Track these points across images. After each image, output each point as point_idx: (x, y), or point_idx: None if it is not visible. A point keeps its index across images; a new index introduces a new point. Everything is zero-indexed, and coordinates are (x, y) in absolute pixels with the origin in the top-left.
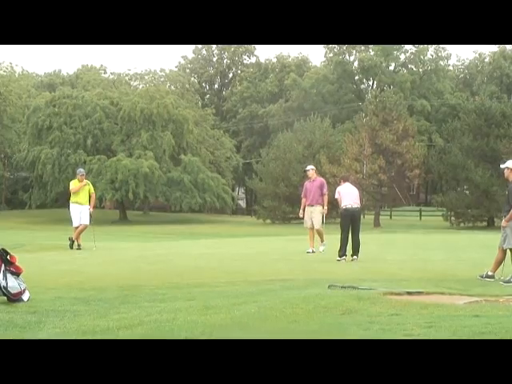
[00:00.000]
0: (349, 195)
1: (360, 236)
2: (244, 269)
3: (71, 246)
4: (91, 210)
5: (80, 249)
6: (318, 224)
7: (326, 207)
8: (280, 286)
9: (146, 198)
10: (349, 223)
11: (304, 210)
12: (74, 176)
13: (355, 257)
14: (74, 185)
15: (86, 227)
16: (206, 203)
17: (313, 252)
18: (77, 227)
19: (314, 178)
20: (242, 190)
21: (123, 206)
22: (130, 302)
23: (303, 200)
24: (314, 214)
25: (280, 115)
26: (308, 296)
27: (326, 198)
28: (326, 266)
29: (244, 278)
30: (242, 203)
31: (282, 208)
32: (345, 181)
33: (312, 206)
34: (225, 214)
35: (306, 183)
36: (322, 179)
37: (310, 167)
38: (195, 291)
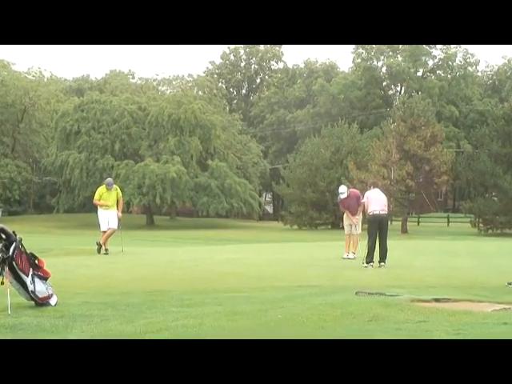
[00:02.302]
0: (376, 201)
1: (387, 242)
2: (271, 274)
3: (99, 251)
4: (119, 214)
5: (107, 253)
6: (358, 229)
7: (359, 216)
8: (307, 292)
9: (173, 202)
10: (376, 229)
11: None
12: (101, 180)
13: (382, 263)
14: (99, 194)
15: (114, 231)
16: (232, 208)
17: (348, 258)
18: (105, 231)
19: (350, 194)
20: (269, 196)
21: (150, 210)
22: (157, 307)
23: (346, 211)
24: (355, 221)
25: (307, 121)
26: (335, 302)
27: (361, 207)
28: (354, 272)
29: (271, 284)
30: (269, 209)
31: (309, 214)
32: (374, 186)
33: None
34: (251, 220)
35: (343, 200)
36: (357, 192)
37: (344, 190)
38: (222, 296)
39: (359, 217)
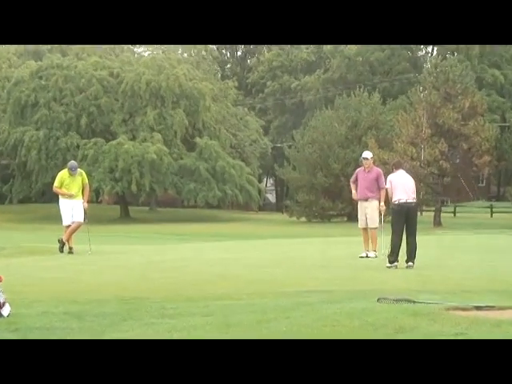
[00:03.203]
0: (403, 186)
1: (416, 238)
2: (273, 277)
3: (61, 250)
4: (86, 204)
5: (72, 253)
6: (374, 222)
7: (382, 202)
8: (318, 299)
9: (152, 190)
10: (403, 222)
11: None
12: (64, 164)
13: (410, 263)
14: (60, 181)
15: (79, 226)
16: (226, 197)
17: (366, 257)
18: (68, 226)
19: (370, 168)
20: (271, 181)
21: (125, 200)
22: (134, 317)
23: (353, 185)
24: (369, 210)
25: (318, 89)
26: (352, 311)
27: (383, 192)
28: (375, 274)
29: (273, 289)
30: (271, 197)
31: (320, 203)
32: (397, 168)
33: (367, 200)
34: (249, 211)
35: (360, 171)
36: (379, 170)
37: (370, 155)
38: (213, 305)
39: (378, 205)
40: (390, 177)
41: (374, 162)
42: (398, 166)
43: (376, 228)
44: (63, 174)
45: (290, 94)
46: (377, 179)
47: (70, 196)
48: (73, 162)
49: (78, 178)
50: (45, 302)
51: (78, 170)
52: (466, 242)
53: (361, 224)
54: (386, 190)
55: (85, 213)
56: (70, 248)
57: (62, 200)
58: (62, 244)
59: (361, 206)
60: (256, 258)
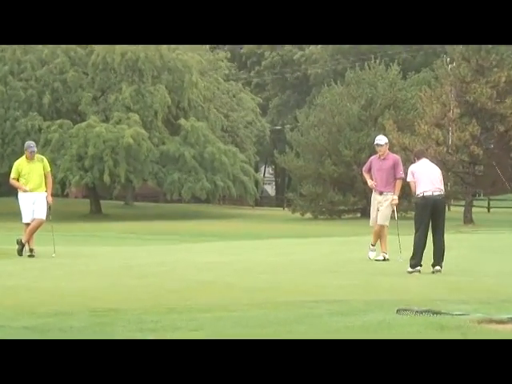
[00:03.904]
0: (427, 177)
1: (444, 237)
2: (273, 285)
3: (20, 252)
4: (50, 198)
5: (33, 256)
6: (384, 219)
7: (396, 196)
8: (326, 310)
9: (128, 181)
10: (428, 218)
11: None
12: (23, 150)
13: (438, 267)
14: (17, 170)
15: (40, 224)
16: (216, 189)
17: (384, 259)
18: (28, 224)
19: (385, 155)
20: (270, 171)
21: (96, 193)
22: (106, 332)
23: (366, 175)
24: (382, 207)
25: (325, 61)
26: (367, 325)
27: (399, 183)
28: (393, 280)
29: (273, 299)
30: (270, 189)
31: (329, 196)
32: (420, 157)
33: (382, 193)
34: (245, 206)
35: (374, 160)
36: (397, 156)
37: (384, 140)
38: (202, 317)
39: (394, 197)
40: (412, 167)
41: (391, 148)
42: (420, 155)
43: (384, 226)
44: (20, 162)
45: (292, 66)
46: (393, 167)
47: (31, 190)
48: (30, 142)
49: (38, 165)
50: (0, 315)
51: (39, 155)
52: (502, 241)
53: (372, 222)
54: (409, 183)
55: (49, 208)
56: (31, 250)
57: (21, 193)
58: (21, 246)
59: (374, 200)
60: (252, 262)
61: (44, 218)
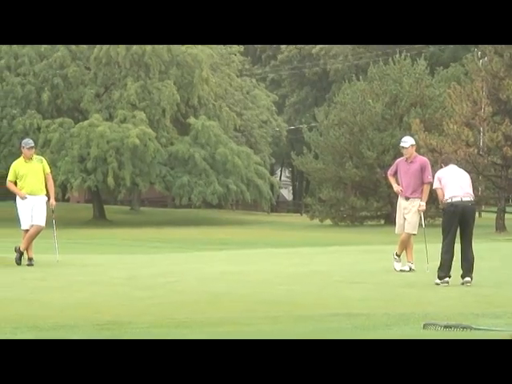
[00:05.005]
0: (456, 183)
1: (473, 246)
2: (290, 297)
3: (18, 261)
4: (53, 202)
5: (32, 264)
6: (412, 227)
7: (424, 202)
8: (347, 325)
9: (134, 185)
10: (456, 226)
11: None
12: (20, 151)
13: (467, 278)
14: (14, 172)
15: (39, 231)
16: (229, 193)
17: (410, 270)
18: (27, 230)
19: (412, 158)
20: (287, 174)
21: (99, 198)
22: None
23: (391, 178)
24: (409, 215)
25: (346, 55)
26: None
27: (427, 187)
28: (420, 293)
29: (290, 312)
30: (287, 194)
31: (350, 201)
32: (447, 163)
33: (408, 199)
34: (259, 211)
35: (400, 162)
36: (425, 159)
37: (410, 142)
38: (213, 332)
39: (421, 203)
40: (439, 173)
41: (417, 149)
42: (447, 162)
43: (412, 234)
44: (17, 163)
45: (310, 60)
46: (421, 171)
47: (29, 193)
48: (28, 139)
49: (36, 166)
50: None
51: (38, 156)
52: None
53: (399, 230)
54: (436, 190)
55: (52, 212)
56: (30, 259)
57: (19, 198)
58: (19, 254)
59: (400, 206)
60: (267, 272)
61: (43, 224)
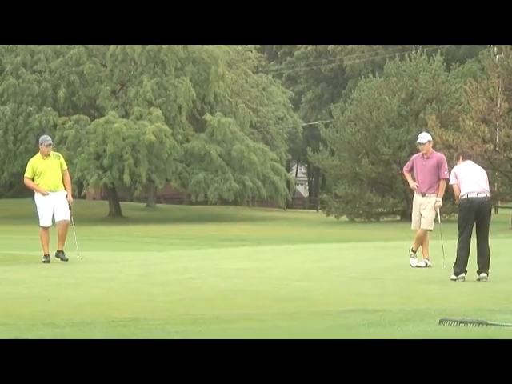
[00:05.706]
0: (472, 179)
1: (489, 242)
2: (307, 294)
3: (63, 257)
4: (71, 198)
5: (48, 261)
6: (428, 223)
7: (440, 198)
8: (363, 321)
9: (150, 182)
10: (472, 222)
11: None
12: (38, 147)
13: (484, 274)
14: (31, 169)
15: (67, 225)
16: (245, 190)
17: (426, 266)
18: (46, 228)
19: (429, 154)
20: (303, 170)
21: (115, 194)
22: None
23: (407, 175)
24: (425, 211)
25: (362, 51)
26: (407, 336)
27: (444, 183)
28: (436, 288)
29: (306, 308)
30: (303, 190)
31: (366, 198)
32: (464, 158)
33: (425, 195)
34: (275, 208)
35: (417, 158)
36: (441, 155)
37: (427, 138)
38: (230, 328)
39: (437, 199)
40: (455, 169)
41: (433, 145)
42: (465, 157)
43: (428, 230)
44: (35, 160)
45: (326, 57)
46: (437, 167)
47: (48, 190)
48: (45, 136)
49: (54, 162)
50: (14, 326)
51: (55, 153)
52: None
53: (414, 225)
54: (452, 186)
55: (70, 208)
56: (45, 256)
57: (38, 194)
58: (60, 252)
59: (416, 202)
60: (283, 269)
61: (68, 218)
